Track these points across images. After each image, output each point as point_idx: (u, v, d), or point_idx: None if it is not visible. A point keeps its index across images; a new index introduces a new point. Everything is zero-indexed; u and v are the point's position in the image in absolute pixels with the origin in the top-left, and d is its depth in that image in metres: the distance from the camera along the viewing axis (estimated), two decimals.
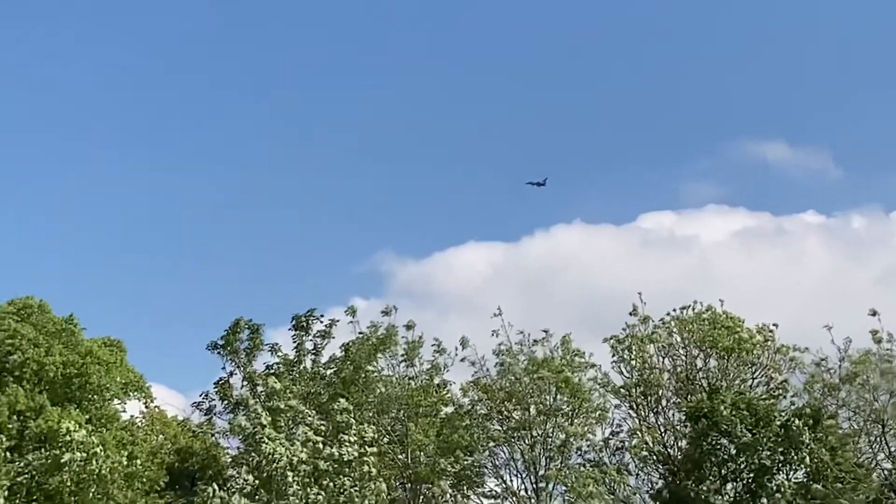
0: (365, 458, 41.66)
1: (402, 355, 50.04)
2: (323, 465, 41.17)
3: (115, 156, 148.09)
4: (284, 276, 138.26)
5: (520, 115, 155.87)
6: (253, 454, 42.96)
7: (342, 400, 44.06)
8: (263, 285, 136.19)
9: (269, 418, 44.52)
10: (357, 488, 41.05)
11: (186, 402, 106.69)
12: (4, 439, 44.09)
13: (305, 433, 45.25)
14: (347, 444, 42.06)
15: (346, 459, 41.02)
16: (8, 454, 43.51)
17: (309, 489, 40.75)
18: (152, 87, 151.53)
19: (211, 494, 45.95)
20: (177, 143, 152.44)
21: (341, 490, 41.02)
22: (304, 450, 43.08)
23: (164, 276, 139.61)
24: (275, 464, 41.04)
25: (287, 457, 40.87)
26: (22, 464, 43.21)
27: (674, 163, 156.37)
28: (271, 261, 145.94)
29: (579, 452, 47.29)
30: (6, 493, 41.63)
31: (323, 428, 44.55)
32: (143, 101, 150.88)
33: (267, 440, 41.63)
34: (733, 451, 44.37)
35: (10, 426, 47.80)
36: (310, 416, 43.87)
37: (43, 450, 44.66)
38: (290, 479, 40.29)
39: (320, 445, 41.67)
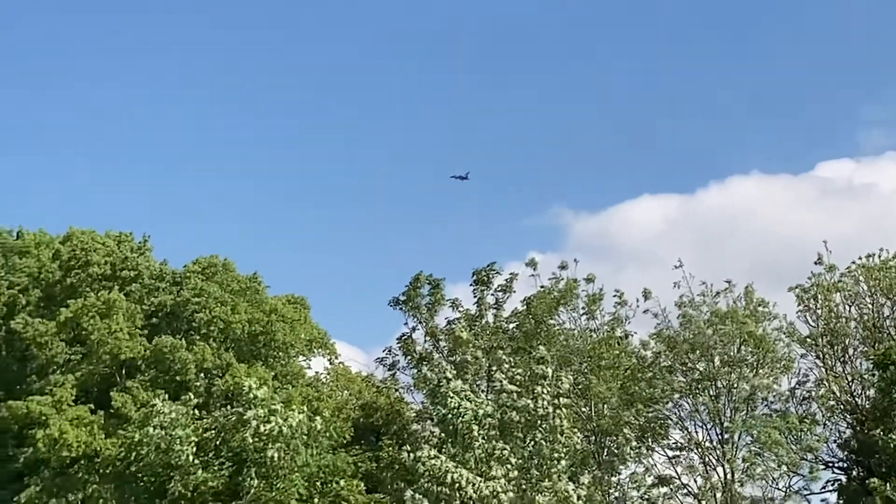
0: (557, 412, 51.29)
1: (583, 308, 57.02)
2: (516, 417, 45.60)
3: (295, 124, 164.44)
4: (461, 231, 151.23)
5: (699, 64, 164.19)
6: (438, 407, 49.50)
7: (541, 348, 49.00)
8: (440, 241, 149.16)
9: (453, 371, 54.42)
10: (549, 441, 45.16)
11: (366, 358, 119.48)
12: (192, 396, 50.92)
13: (501, 382, 54.46)
14: (543, 396, 52.08)
15: (540, 413, 45.46)
16: (196, 411, 50.26)
17: (495, 442, 45.25)
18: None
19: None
20: (355, 111, 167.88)
21: (532, 443, 45.53)
22: (489, 403, 52.70)
23: (343, 234, 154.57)
24: (460, 418, 45.73)
25: (472, 410, 45.96)
26: (209, 420, 50.14)
27: (851, 109, 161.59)
28: (448, 216, 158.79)
29: (765, 403, 53.35)
30: (194, 448, 48.21)
31: (518, 377, 54.27)
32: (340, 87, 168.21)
33: (452, 393, 46.49)
34: None
35: (198, 384, 55.61)
36: (506, 363, 48.30)
37: (229, 406, 51.99)
38: (475, 432, 45.24)
39: (514, 396, 45.96)
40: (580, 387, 54.89)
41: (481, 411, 46.68)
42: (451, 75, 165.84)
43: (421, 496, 43.53)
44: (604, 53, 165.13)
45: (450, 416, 46.57)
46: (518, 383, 47.27)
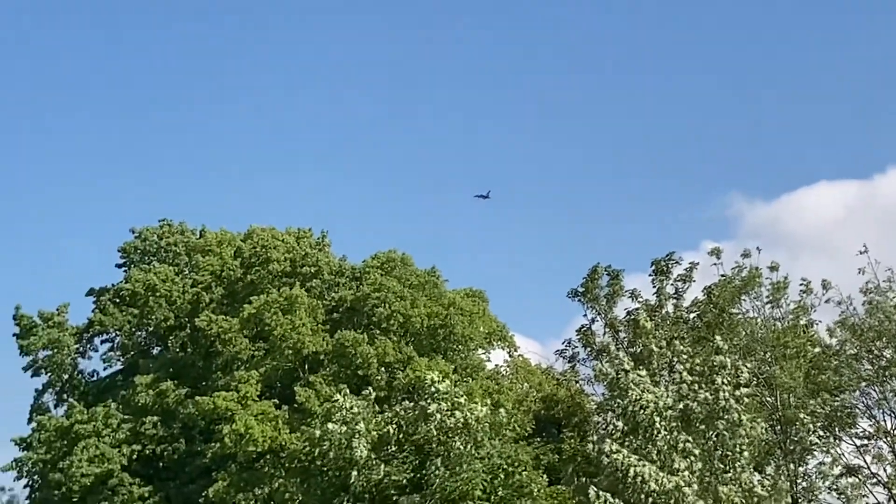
0: (736, 406, 51.17)
1: (767, 297, 57.12)
2: (697, 409, 45.77)
3: (470, 122, 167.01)
4: (635, 221, 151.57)
5: (878, 47, 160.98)
6: (618, 400, 53.62)
7: (717, 338, 48.81)
8: (613, 232, 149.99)
9: (632, 363, 55.00)
10: (731, 432, 45.25)
11: (542, 350, 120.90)
12: (374, 390, 52.22)
13: (681, 373, 54.90)
14: (723, 388, 52.20)
15: (720, 405, 45.43)
16: (377, 405, 51.60)
17: (678, 434, 45.51)
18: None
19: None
20: (529, 107, 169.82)
21: (715, 434, 45.54)
22: (670, 394, 53.14)
23: (519, 227, 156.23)
24: (642, 410, 46.01)
25: (653, 402, 46.21)
26: (391, 414, 51.02)
27: None
28: (622, 206, 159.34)
29: None
30: (370, 443, 49.22)
31: (698, 368, 54.54)
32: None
33: (632, 385, 46.89)
34: None
35: (379, 377, 57.13)
36: (685, 354, 49.05)
37: (411, 400, 52.83)
38: (657, 424, 45.59)
39: (695, 387, 46.12)
40: (764, 376, 54.90)
41: (661, 402, 46.99)
42: (624, 74, 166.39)
43: (604, 492, 44.17)
44: (778, 39, 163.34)
45: (631, 408, 46.93)
46: (698, 374, 47.47)
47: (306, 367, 60.09)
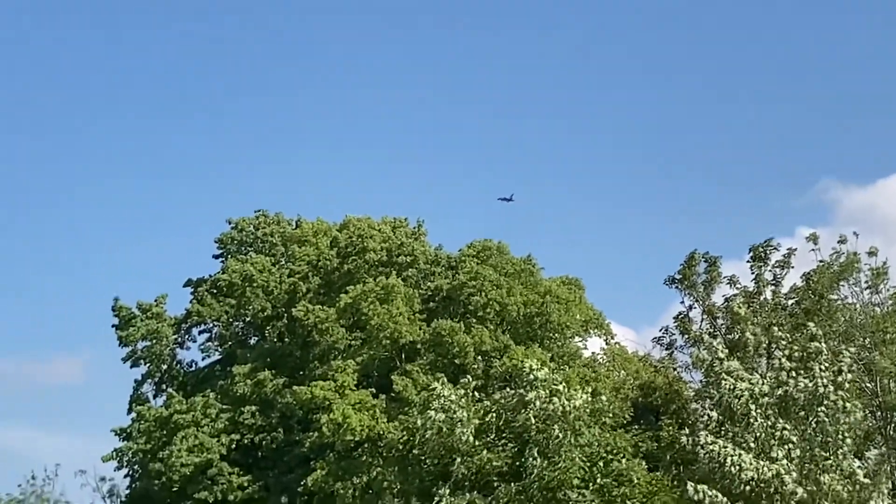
0: (839, 393, 50.69)
1: (866, 282, 57.27)
2: (797, 395, 45.72)
3: (554, 106, 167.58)
4: (729, 208, 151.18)
5: None
6: (712, 390, 48.80)
7: (810, 324, 49.50)
8: (708, 219, 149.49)
9: (727, 351, 55.10)
10: (832, 419, 45.11)
11: (637, 338, 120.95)
12: (471, 379, 51.92)
13: (780, 360, 55.00)
14: (821, 374, 52.33)
15: (820, 392, 45.35)
16: (475, 393, 51.06)
17: (775, 421, 45.65)
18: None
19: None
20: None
21: (815, 421, 45.44)
22: (766, 381, 53.29)
23: (613, 216, 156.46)
24: (737, 399, 46.04)
25: (748, 390, 46.15)
26: (489, 402, 51.23)
27: None
28: (717, 194, 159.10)
29: None
30: (474, 430, 49.27)
31: (796, 354, 54.52)
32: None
33: (725, 374, 46.99)
34: None
35: (476, 366, 57.76)
36: (783, 340, 49.13)
37: (508, 388, 52.71)
38: (753, 412, 45.64)
39: (793, 374, 46.09)
40: (863, 362, 54.76)
41: (757, 390, 47.07)
42: (720, 63, 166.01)
43: (701, 483, 44.38)
44: (871, 21, 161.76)
45: (726, 397, 47.13)
46: (796, 361, 47.58)
47: (403, 356, 60.87)
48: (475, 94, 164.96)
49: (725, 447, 43.90)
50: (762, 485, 44.57)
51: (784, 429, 45.42)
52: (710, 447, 44.19)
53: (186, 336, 70.02)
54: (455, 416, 49.30)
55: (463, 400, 50.13)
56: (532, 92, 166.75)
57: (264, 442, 61.97)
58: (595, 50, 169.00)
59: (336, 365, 59.63)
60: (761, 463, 43.74)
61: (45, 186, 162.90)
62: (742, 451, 43.91)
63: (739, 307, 56.38)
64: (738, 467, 43.45)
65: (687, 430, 49.45)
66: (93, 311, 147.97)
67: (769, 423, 46.40)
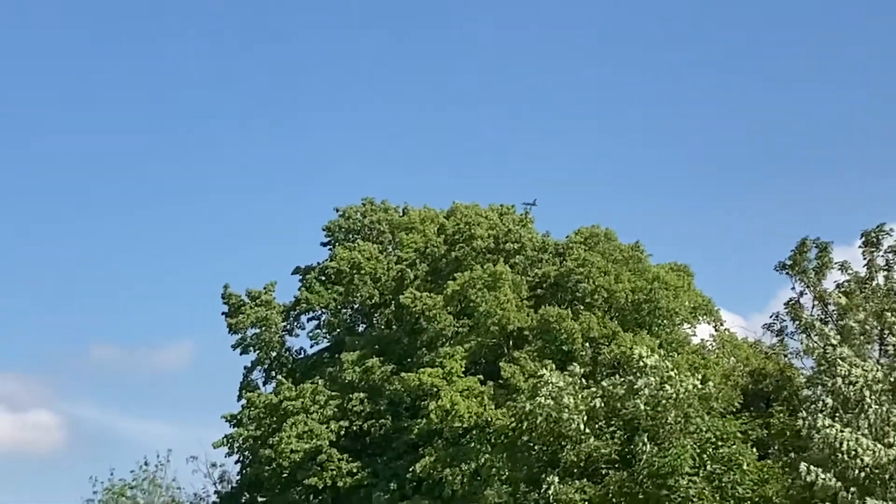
0: None
1: None
2: None
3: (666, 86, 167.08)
4: (840, 194, 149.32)
5: None
6: (825, 376, 49.01)
7: None
8: (816, 205, 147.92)
9: (839, 337, 54.92)
10: None
11: (746, 324, 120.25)
12: (579, 366, 52.85)
13: (893, 346, 54.55)
14: None
15: None
16: (583, 380, 52.06)
17: (890, 407, 46.57)
18: None
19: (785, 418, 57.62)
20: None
21: None
22: (880, 368, 52.85)
23: (722, 203, 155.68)
24: (852, 385, 47.12)
25: (862, 377, 47.07)
26: (596, 389, 51.69)
27: None
28: (824, 178, 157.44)
29: None
30: (584, 417, 49.95)
31: None
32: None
33: (839, 360, 47.78)
34: None
35: (584, 353, 57.88)
36: None
37: (617, 375, 53.86)
38: (867, 398, 46.57)
39: None
40: None
41: (871, 376, 47.45)
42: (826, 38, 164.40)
43: (815, 466, 44.36)
44: None
45: (839, 383, 47.56)
46: None
47: (510, 342, 61.27)
48: (580, 81, 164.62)
49: (842, 431, 43.72)
50: (877, 470, 44.54)
51: None
52: (827, 430, 44.10)
53: (295, 323, 71.05)
54: (563, 402, 49.68)
55: (571, 387, 50.50)
56: (641, 83, 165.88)
57: (373, 428, 62.66)
58: (701, 46, 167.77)
59: (444, 352, 60.22)
60: (878, 447, 43.59)
61: (158, 177, 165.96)
62: (859, 436, 43.67)
63: (840, 297, 56.15)
64: (853, 452, 43.31)
65: (801, 417, 49.08)
66: (202, 299, 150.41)
67: (884, 409, 46.72)
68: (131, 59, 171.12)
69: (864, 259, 58.89)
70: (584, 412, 50.55)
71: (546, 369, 52.33)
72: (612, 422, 51.94)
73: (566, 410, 49.46)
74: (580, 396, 51.14)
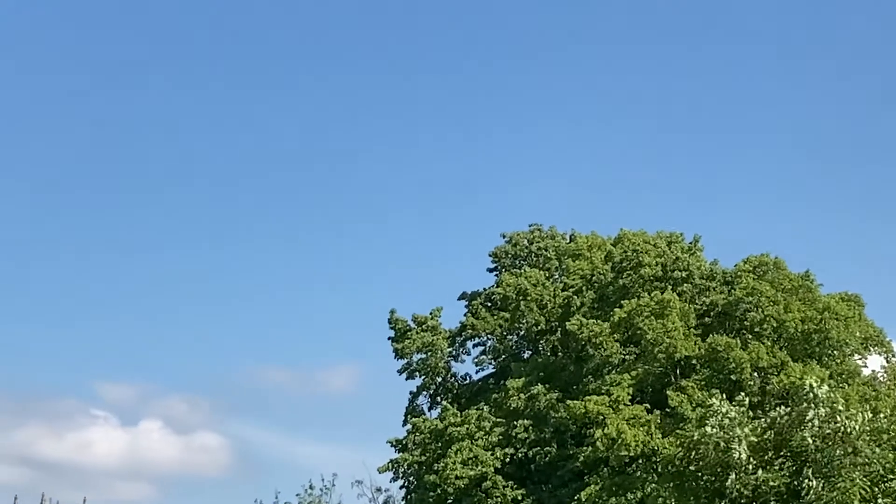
0: None
1: None
2: None
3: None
4: None
5: None
6: None
7: None
8: None
9: None
10: None
11: None
12: (746, 396, 51.97)
13: None
14: None
15: None
16: (751, 411, 51.48)
17: None
18: None
19: None
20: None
21: None
22: None
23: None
24: None
25: None
26: (765, 420, 50.68)
27: None
28: None
29: None
30: (748, 448, 48.82)
31: None
32: None
33: None
34: None
35: (752, 382, 57.86)
36: None
37: (785, 406, 52.13)
38: None
39: None
40: None
41: None
42: None
43: None
44: None
45: None
46: None
47: (678, 371, 61.43)
48: (743, 112, 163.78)
49: None
50: None
51: None
52: None
53: (461, 349, 72.07)
54: (732, 432, 49.66)
55: (740, 416, 50.44)
56: (790, 104, 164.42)
57: (538, 456, 63.28)
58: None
59: (610, 379, 60.62)
60: None
61: (325, 203, 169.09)
62: None
63: None
64: None
65: None
66: (368, 323, 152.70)
67: None
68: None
69: None
70: (751, 443, 50.38)
71: (714, 398, 52.28)
72: (781, 453, 51.57)
73: (735, 440, 49.39)
74: (748, 427, 51.03)
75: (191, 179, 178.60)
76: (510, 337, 70.50)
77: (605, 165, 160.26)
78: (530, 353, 70.50)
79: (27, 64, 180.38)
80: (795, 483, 49.89)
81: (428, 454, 65.36)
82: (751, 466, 49.83)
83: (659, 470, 56.33)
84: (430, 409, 71.52)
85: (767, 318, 60.79)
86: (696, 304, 64.20)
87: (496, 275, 72.73)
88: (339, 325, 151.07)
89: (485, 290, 72.07)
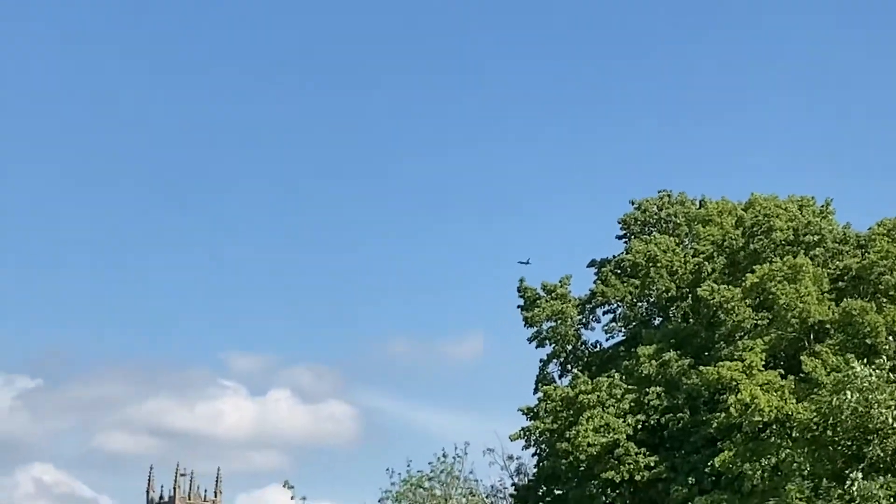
0: None
1: None
2: None
3: None
4: None
5: None
6: None
7: None
8: None
9: None
10: None
11: None
12: (886, 360, 53.16)
13: None
14: None
15: None
16: (890, 374, 52.36)
17: None
18: None
19: None
20: None
21: None
22: None
23: None
24: None
25: None
26: None
27: None
28: None
29: None
30: (894, 412, 49.89)
31: None
32: None
33: None
34: None
35: (887, 346, 57.53)
36: None
37: None
38: None
39: None
40: None
41: None
42: None
43: None
44: None
45: None
46: None
47: (811, 336, 61.10)
48: (875, 70, 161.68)
49: None
50: None
51: None
52: None
53: (591, 316, 72.12)
54: (871, 396, 49.43)
55: (878, 380, 50.16)
56: None
57: (670, 423, 63.24)
58: None
59: (742, 345, 60.49)
60: None
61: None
62: None
63: None
64: None
65: None
66: (492, 291, 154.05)
67: None
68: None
69: None
70: (892, 407, 50.14)
71: (851, 363, 52.05)
72: None
73: (875, 404, 49.16)
74: (888, 390, 50.78)
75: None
76: (640, 304, 70.48)
77: (730, 131, 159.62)
78: (661, 319, 70.42)
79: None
80: None
81: (559, 422, 65.59)
82: (890, 431, 49.63)
83: (794, 435, 56.24)
84: (560, 376, 71.80)
85: None
86: (829, 268, 63.88)
87: (625, 242, 72.66)
88: (464, 296, 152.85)
89: (614, 257, 72.11)
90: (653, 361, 63.85)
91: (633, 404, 63.68)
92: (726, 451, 57.84)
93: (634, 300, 69.83)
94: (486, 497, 72.66)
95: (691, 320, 66.98)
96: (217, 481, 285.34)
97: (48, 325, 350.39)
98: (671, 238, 69.46)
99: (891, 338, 58.34)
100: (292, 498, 65.53)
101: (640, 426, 63.42)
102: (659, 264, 67.20)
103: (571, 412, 65.24)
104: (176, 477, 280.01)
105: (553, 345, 71.15)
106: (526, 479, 71.98)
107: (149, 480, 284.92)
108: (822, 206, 68.19)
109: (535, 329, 71.21)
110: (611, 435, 62.69)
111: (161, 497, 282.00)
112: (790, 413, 56.47)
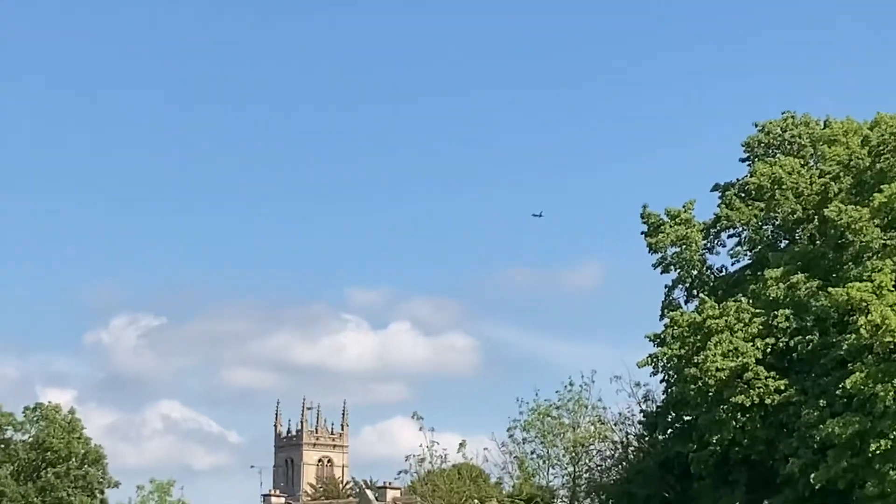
0: None
1: None
2: None
3: None
4: None
5: None
6: None
7: None
8: None
9: None
10: None
11: None
12: None
13: None
14: None
15: None
16: None
17: None
18: None
19: None
20: None
21: None
22: None
23: None
24: None
25: None
26: None
27: None
28: None
29: None
30: None
31: None
32: None
33: None
34: None
35: None
36: None
37: None
38: None
39: None
40: None
41: None
42: None
43: None
44: None
45: None
46: None
47: None
48: None
49: None
50: None
51: None
52: None
53: (715, 241, 72.08)
54: None
55: None
56: None
57: (799, 345, 63.11)
58: None
59: (871, 265, 60.11)
60: None
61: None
62: None
63: None
64: None
65: None
66: (609, 219, 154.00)
67: None
68: None
69: None
70: None
71: None
72: None
73: None
74: None
75: None
76: (766, 227, 70.19)
77: (859, 50, 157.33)
78: (787, 242, 70.09)
79: None
80: None
81: (687, 347, 65.78)
82: None
83: None
84: (686, 302, 71.85)
85: None
86: None
87: (749, 164, 72.21)
88: (582, 225, 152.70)
89: (738, 180, 71.79)
90: (780, 284, 63.72)
91: (761, 328, 63.66)
92: (857, 373, 57.64)
93: (759, 223, 69.59)
94: (615, 424, 73.35)
95: (818, 242, 66.67)
96: (343, 414, 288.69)
97: (171, 264, 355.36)
98: (796, 159, 68.92)
99: None
100: (420, 429, 66.79)
101: (768, 350, 63.38)
102: (784, 186, 66.78)
103: (699, 337, 65.38)
104: (303, 411, 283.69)
105: (678, 270, 71.30)
106: (654, 405, 72.50)
107: (276, 415, 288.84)
108: None
109: (660, 255, 71.32)
110: (739, 359, 62.76)
111: (289, 431, 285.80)
112: None
